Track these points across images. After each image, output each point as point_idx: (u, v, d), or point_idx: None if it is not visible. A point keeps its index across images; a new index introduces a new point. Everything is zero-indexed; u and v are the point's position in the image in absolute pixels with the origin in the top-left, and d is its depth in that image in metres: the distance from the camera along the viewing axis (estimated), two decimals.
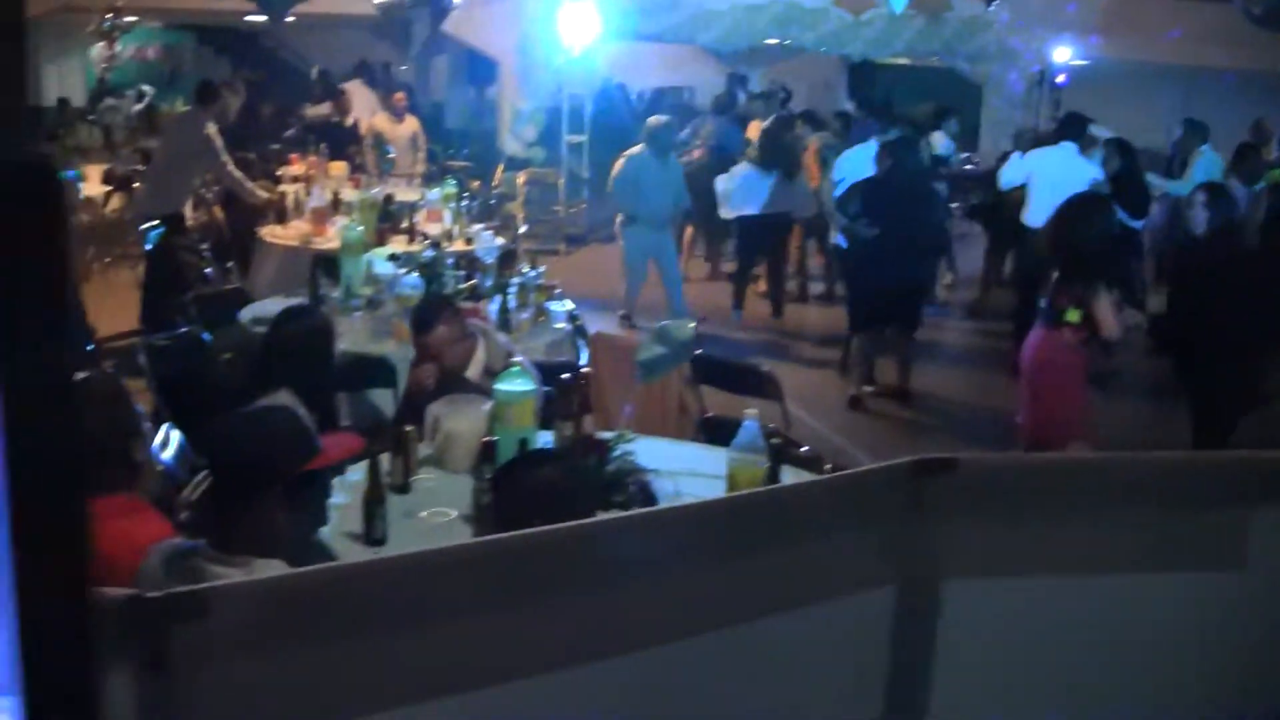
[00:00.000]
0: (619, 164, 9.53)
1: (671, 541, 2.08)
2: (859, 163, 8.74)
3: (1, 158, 0.54)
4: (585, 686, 1.97)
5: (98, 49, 14.86)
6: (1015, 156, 10.02)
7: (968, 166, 12.31)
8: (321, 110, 11.92)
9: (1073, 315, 5.45)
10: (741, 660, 2.13)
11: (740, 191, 10.03)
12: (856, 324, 8.46)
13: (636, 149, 9.49)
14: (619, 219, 9.93)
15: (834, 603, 2.22)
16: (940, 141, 10.92)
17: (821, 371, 8.88)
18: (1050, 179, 8.60)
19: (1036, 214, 8.66)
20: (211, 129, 8.54)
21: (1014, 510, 2.26)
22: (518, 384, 3.89)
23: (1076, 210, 5.90)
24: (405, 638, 1.79)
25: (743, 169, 10.14)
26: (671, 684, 2.07)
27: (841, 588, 2.23)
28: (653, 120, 9.83)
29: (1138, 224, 9.02)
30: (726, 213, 10.24)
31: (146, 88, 13.74)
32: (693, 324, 5.50)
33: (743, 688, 2.15)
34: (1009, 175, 9.62)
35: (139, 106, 12.96)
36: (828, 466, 4.61)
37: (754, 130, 11.16)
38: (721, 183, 10.25)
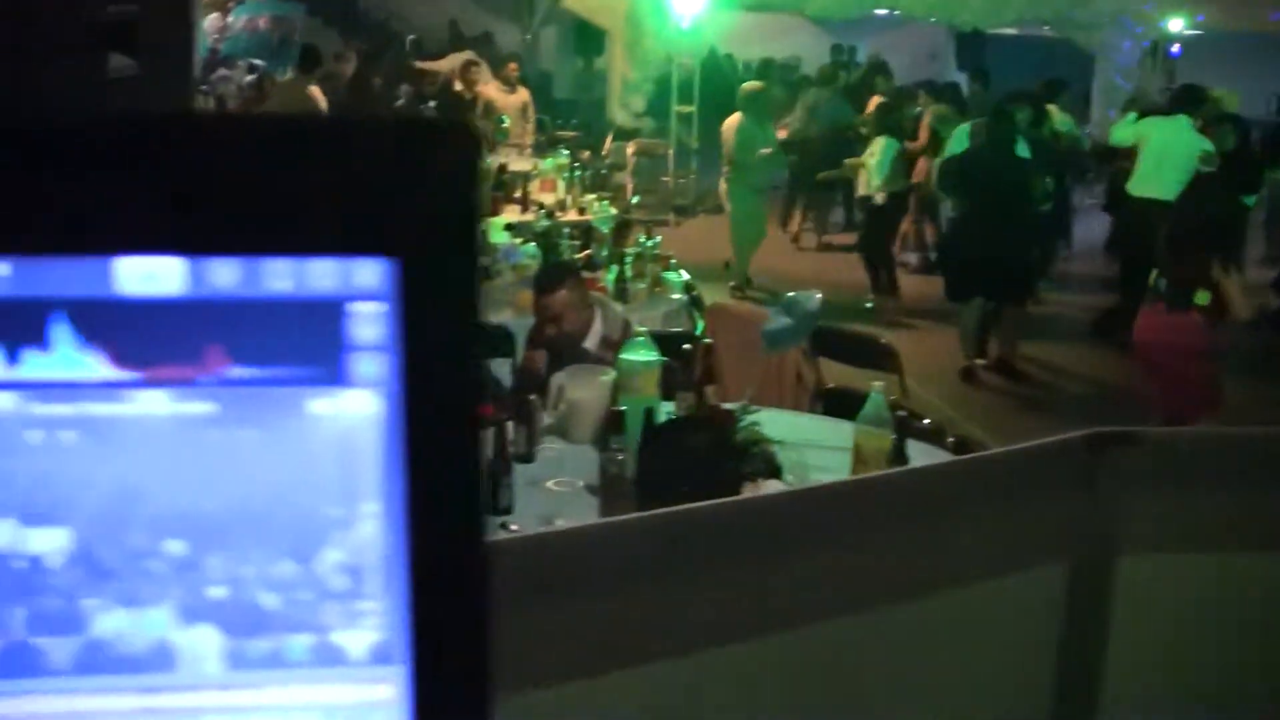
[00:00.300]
0: (729, 136, 9.64)
1: (843, 515, 2.06)
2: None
3: (428, 119, 0.55)
4: (756, 660, 1.96)
5: (210, 20, 15.04)
6: (1129, 117, 9.87)
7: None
8: (440, 66, 11.97)
9: (1203, 298, 5.36)
10: (910, 636, 2.11)
11: (869, 166, 9.98)
12: (951, 294, 8.39)
13: (735, 116, 9.60)
14: (723, 187, 10.00)
15: (1006, 578, 2.19)
16: (1059, 117, 10.71)
17: (934, 343, 8.78)
18: (1159, 150, 8.48)
19: (1141, 183, 8.54)
20: (315, 91, 8.63)
21: (1192, 485, 2.21)
22: (643, 353, 3.88)
23: (1200, 191, 5.79)
24: (614, 603, 1.79)
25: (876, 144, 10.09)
26: (839, 659, 2.05)
27: (1013, 563, 2.20)
28: (747, 86, 9.96)
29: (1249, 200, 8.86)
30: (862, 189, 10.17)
31: (258, 61, 13.89)
32: (819, 295, 5.45)
33: (911, 664, 2.13)
34: (1119, 134, 9.52)
35: (250, 77, 13.10)
36: (950, 440, 4.56)
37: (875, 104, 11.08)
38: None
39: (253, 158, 0.55)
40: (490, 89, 11.23)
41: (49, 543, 0.57)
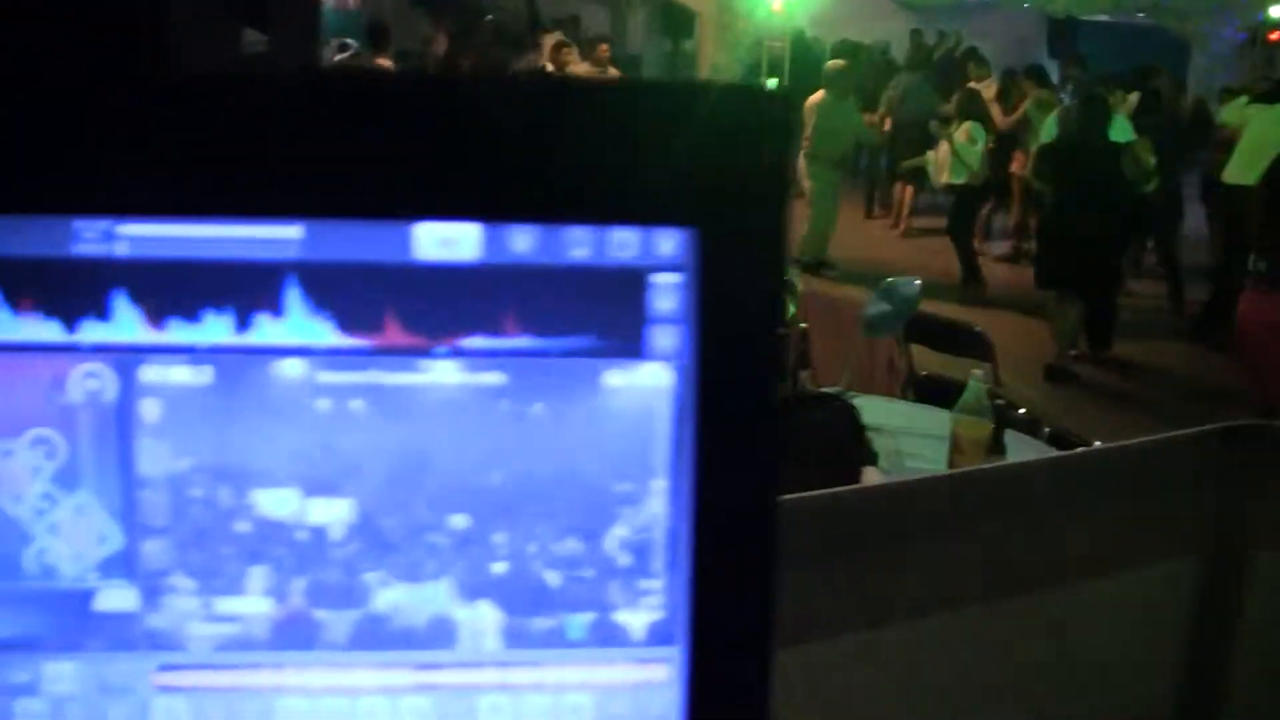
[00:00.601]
0: (811, 113, 9.69)
1: (975, 504, 2.04)
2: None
3: (738, 85, 0.53)
4: (885, 647, 1.94)
5: None
6: (1240, 100, 9.68)
7: None
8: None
9: None
10: (1037, 626, 2.08)
11: (959, 150, 9.89)
12: (1040, 282, 8.28)
13: (818, 94, 9.65)
14: (801, 165, 10.00)
15: (1136, 571, 2.15)
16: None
17: (1023, 332, 8.67)
18: (1257, 137, 8.30)
19: (1234, 170, 8.38)
20: (385, 64, 8.71)
21: None
22: None
23: None
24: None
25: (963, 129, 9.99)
26: (966, 646, 2.03)
27: (1144, 556, 2.16)
28: (831, 64, 10.05)
29: None
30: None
31: (350, 40, 13.99)
32: (918, 281, 5.40)
33: (1036, 653, 2.10)
34: (1228, 115, 9.35)
35: (342, 55, 13.18)
36: (1046, 430, 4.51)
37: (986, 94, 10.95)
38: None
39: (555, 122, 0.53)
40: (580, 71, 11.24)
41: (331, 514, 0.56)
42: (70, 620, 0.57)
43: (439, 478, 0.56)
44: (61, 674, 0.57)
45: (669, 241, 0.55)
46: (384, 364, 0.55)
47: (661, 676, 0.58)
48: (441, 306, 0.55)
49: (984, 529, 2.03)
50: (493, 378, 0.55)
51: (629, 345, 0.55)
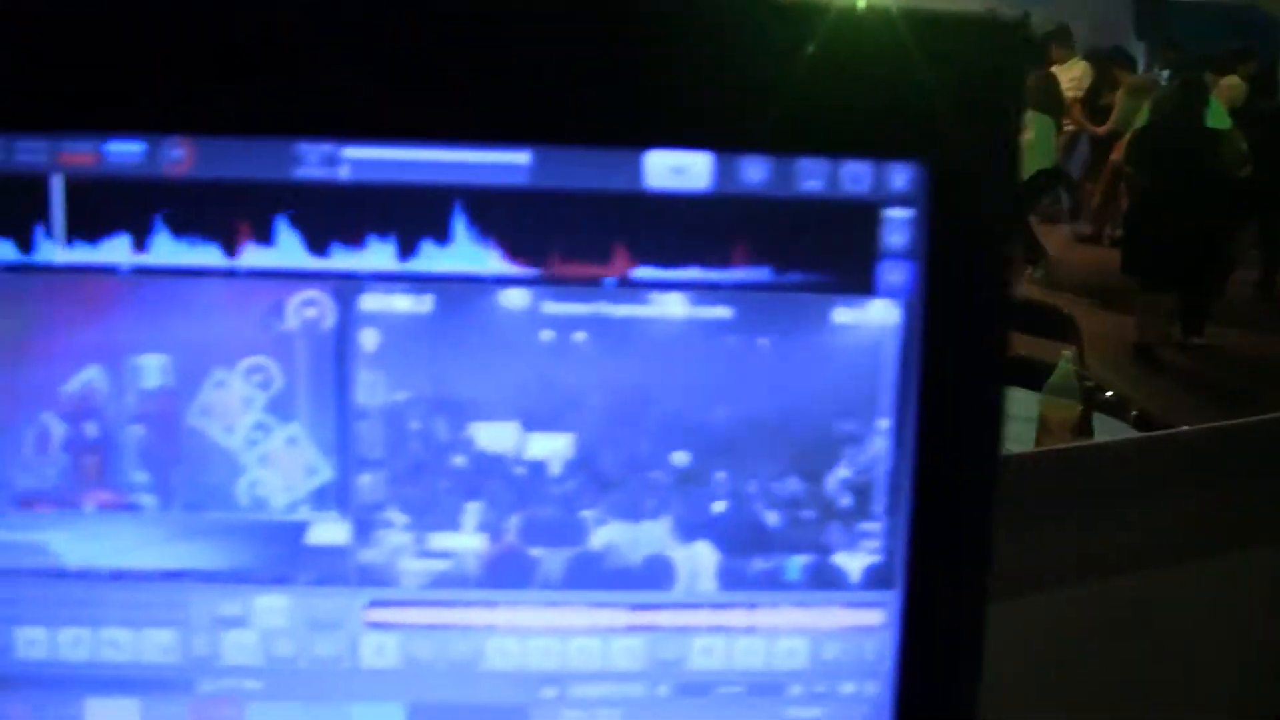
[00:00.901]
0: None
1: (1069, 484, 2.00)
2: None
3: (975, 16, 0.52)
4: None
5: None
6: None
7: None
8: None
9: None
10: (1127, 610, 2.05)
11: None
12: (1125, 267, 8.15)
13: None
14: None
15: (1230, 556, 2.11)
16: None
17: (1103, 315, 8.54)
18: None
19: None
20: None
21: None
22: None
23: None
24: None
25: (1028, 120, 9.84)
26: (1078, 625, 2.00)
27: (1238, 540, 2.12)
28: None
29: None
30: None
31: None
32: None
33: (1127, 640, 2.06)
34: None
35: None
36: (1134, 413, 4.43)
37: (1066, 77, 10.73)
38: None
39: (791, 49, 0.52)
40: None
41: (550, 449, 0.55)
42: (281, 552, 0.57)
43: (661, 413, 0.55)
44: (272, 607, 0.57)
45: (902, 175, 0.53)
46: (609, 295, 0.54)
47: (876, 621, 0.57)
48: (670, 237, 0.53)
49: (1075, 510, 2.00)
50: (719, 311, 0.54)
51: (858, 280, 0.54)
